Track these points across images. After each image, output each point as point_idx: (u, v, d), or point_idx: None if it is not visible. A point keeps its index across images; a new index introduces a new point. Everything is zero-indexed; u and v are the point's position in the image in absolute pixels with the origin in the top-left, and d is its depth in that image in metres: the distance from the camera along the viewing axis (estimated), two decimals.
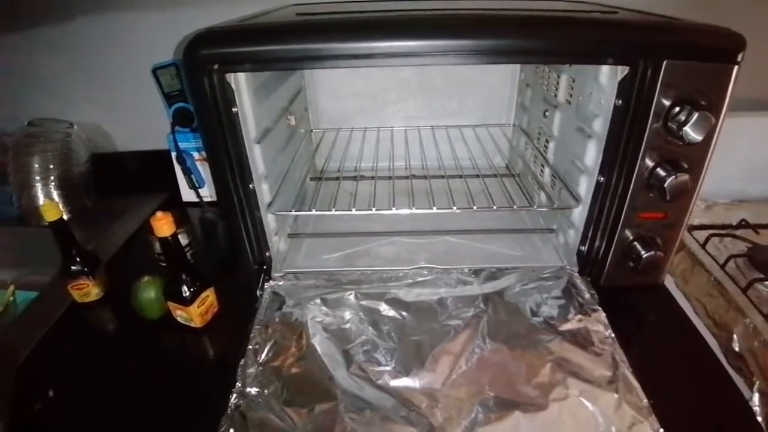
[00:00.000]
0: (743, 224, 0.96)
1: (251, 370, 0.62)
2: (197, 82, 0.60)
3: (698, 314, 0.82)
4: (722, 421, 0.60)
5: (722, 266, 0.84)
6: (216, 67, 0.59)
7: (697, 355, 0.69)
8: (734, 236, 0.93)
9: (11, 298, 1.03)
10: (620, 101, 0.63)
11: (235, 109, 0.62)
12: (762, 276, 0.80)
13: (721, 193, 1.05)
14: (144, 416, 0.62)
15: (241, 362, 0.62)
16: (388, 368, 0.62)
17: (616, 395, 0.58)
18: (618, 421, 0.55)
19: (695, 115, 0.59)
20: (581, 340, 0.66)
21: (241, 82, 0.63)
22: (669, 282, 0.84)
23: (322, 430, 0.55)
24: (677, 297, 0.80)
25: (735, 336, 0.73)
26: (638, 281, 0.76)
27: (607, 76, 0.67)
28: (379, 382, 0.60)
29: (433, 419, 0.56)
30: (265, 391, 0.59)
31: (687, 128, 0.60)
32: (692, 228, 0.96)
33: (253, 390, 0.59)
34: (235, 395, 0.58)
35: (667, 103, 0.61)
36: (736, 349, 0.72)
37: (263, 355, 0.64)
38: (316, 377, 0.62)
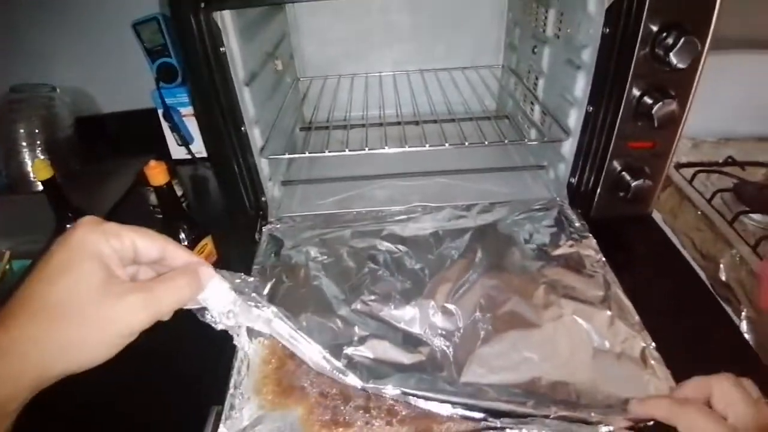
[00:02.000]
0: (730, 161, 0.98)
1: None
2: (184, 23, 0.59)
3: (686, 248, 0.84)
4: (713, 337, 0.62)
5: (709, 201, 0.86)
6: (202, 5, 0.58)
7: (687, 280, 0.72)
8: (721, 172, 0.95)
9: (7, 267, 1.03)
10: (608, 29, 0.63)
11: (223, 49, 0.62)
12: (748, 209, 0.82)
13: (708, 131, 1.06)
14: (142, 371, 0.61)
15: None
16: (389, 299, 0.64)
17: (608, 313, 0.60)
18: (611, 337, 0.57)
19: (682, 40, 0.59)
20: (573, 263, 0.68)
21: (227, 20, 0.62)
22: (657, 218, 0.86)
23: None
24: (666, 233, 0.82)
25: (722, 266, 0.76)
26: (627, 211, 0.77)
27: (595, 4, 0.66)
28: (381, 313, 0.62)
29: (435, 344, 0.58)
30: None
31: (673, 53, 0.60)
32: (679, 165, 0.97)
33: None
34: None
35: (654, 28, 0.61)
36: (723, 278, 0.75)
37: (264, 294, 0.65)
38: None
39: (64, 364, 0.32)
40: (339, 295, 0.65)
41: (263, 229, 0.75)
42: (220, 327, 0.44)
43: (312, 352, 0.49)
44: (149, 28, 1.01)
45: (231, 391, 0.51)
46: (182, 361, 0.62)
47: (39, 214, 0.82)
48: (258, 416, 0.50)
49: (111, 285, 0.33)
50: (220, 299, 0.42)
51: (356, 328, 0.60)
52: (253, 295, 0.45)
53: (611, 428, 0.47)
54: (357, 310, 0.63)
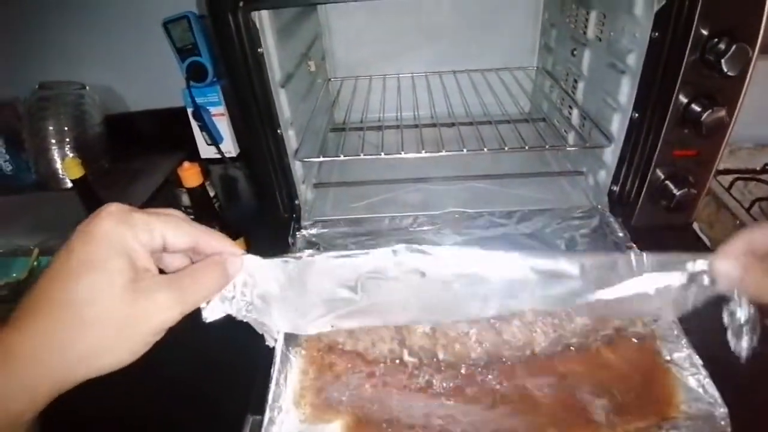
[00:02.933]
0: None
1: None
2: (222, 23, 0.58)
3: None
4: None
5: (748, 210, 0.83)
6: (241, 4, 0.57)
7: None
8: (759, 180, 0.92)
9: (35, 263, 1.04)
10: (657, 33, 0.61)
11: (261, 50, 0.61)
12: None
13: (745, 137, 1.03)
14: (188, 358, 0.61)
15: None
16: None
17: None
18: None
19: (734, 47, 0.57)
20: None
21: (264, 21, 0.62)
22: (695, 227, 0.83)
23: None
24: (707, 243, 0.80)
25: None
26: (669, 221, 0.75)
27: (643, 8, 0.64)
28: None
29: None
30: None
31: (725, 60, 0.58)
32: (717, 172, 0.94)
33: None
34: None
35: (704, 33, 0.59)
36: None
37: None
38: None
39: (86, 368, 0.30)
40: None
41: (297, 234, 0.74)
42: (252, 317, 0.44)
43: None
44: (179, 26, 1.00)
45: (269, 403, 0.50)
46: (216, 369, 0.61)
47: (68, 211, 0.82)
48: (298, 431, 0.49)
49: (139, 282, 0.31)
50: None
51: None
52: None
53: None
54: None
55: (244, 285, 0.42)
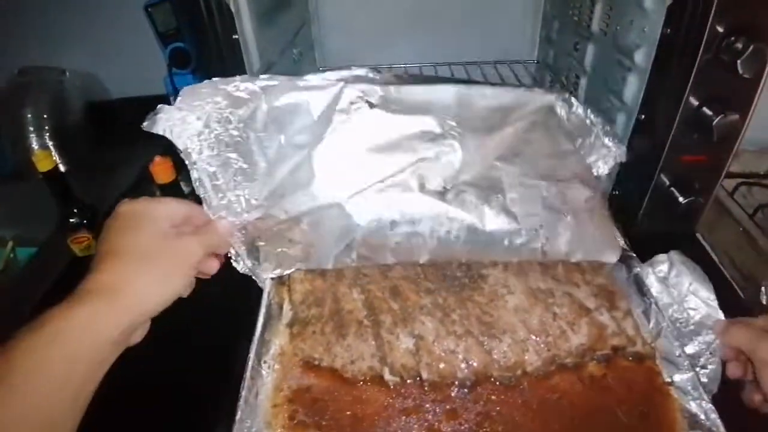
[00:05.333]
0: None
1: None
2: (193, 6, 0.53)
3: (724, 266, 0.78)
4: None
5: (751, 216, 0.81)
6: None
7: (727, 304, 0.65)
8: (763, 185, 0.90)
9: (11, 255, 1.00)
10: (669, 29, 0.57)
11: (236, 36, 0.56)
12: None
13: (748, 140, 0.99)
14: (154, 371, 0.58)
15: None
16: None
17: None
18: None
19: (751, 47, 0.53)
20: None
21: (241, 4, 0.57)
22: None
23: None
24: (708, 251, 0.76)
25: (763, 289, 0.70)
26: (672, 228, 0.72)
27: (653, 1, 0.60)
28: None
29: None
30: None
31: (741, 61, 0.54)
32: None
33: None
34: None
35: (720, 30, 0.54)
36: (764, 302, 0.69)
37: None
38: None
39: (154, 297, 0.41)
40: None
41: None
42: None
43: None
44: (162, 9, 0.94)
45: (236, 425, 0.46)
46: (186, 383, 0.57)
47: (46, 202, 0.78)
48: None
49: (169, 233, 0.44)
50: None
51: None
52: None
53: None
54: None
55: None
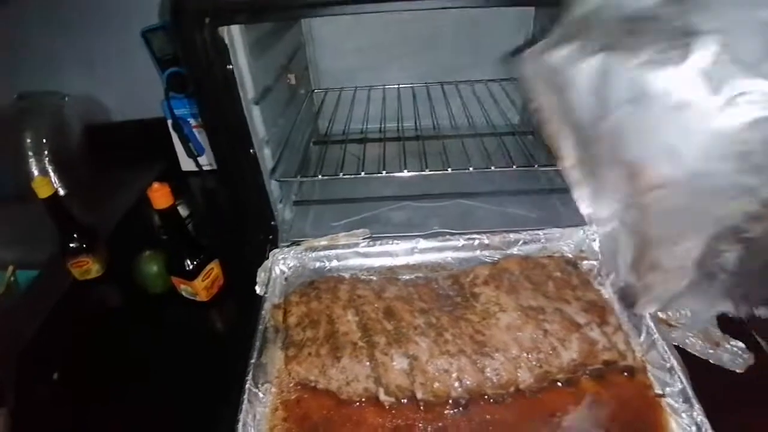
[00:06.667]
0: None
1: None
2: (187, 39, 0.54)
3: None
4: None
5: None
6: (207, 20, 0.53)
7: None
8: None
9: (12, 278, 1.01)
10: None
11: (230, 67, 0.57)
12: None
13: None
14: (152, 395, 0.59)
15: None
16: None
17: None
18: None
19: None
20: None
21: (235, 36, 0.58)
22: None
23: None
24: None
25: None
26: None
27: None
28: None
29: None
30: None
31: None
32: None
33: None
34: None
35: None
36: None
37: None
38: None
39: None
40: None
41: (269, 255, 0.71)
42: None
43: None
44: (159, 36, 0.97)
45: None
46: (184, 409, 0.58)
47: (46, 224, 0.79)
48: None
49: None
50: None
51: None
52: None
53: None
54: None
55: None
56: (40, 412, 0.60)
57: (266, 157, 0.69)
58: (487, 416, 0.52)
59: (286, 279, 0.69)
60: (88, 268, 0.79)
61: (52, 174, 1.05)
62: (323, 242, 0.70)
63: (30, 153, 1.05)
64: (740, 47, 0.41)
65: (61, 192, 1.04)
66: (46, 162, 1.06)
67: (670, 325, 0.60)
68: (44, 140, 1.05)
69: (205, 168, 1.03)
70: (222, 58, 0.56)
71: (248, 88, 0.63)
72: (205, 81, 0.57)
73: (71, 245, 0.77)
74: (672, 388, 0.52)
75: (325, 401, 0.53)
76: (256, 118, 0.66)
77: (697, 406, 0.50)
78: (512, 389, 0.53)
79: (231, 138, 0.62)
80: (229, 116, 0.60)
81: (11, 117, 1.06)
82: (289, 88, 0.84)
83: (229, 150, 0.63)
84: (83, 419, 0.58)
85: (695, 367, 0.55)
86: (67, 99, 1.09)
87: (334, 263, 0.70)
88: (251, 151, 0.64)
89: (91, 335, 0.70)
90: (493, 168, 0.73)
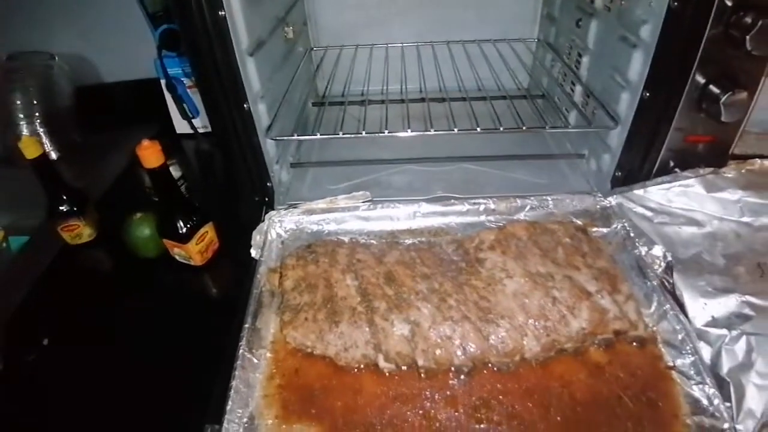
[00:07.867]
0: None
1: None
2: None
3: None
4: None
5: None
6: None
7: None
8: None
9: (3, 244, 0.99)
10: (676, 3, 0.54)
11: (223, 13, 0.53)
12: None
13: (752, 122, 0.96)
14: (144, 361, 0.57)
15: None
16: None
17: None
18: None
19: (760, 22, 0.50)
20: None
21: None
22: None
23: None
24: None
25: None
26: None
27: None
28: None
29: None
30: None
31: (751, 36, 0.51)
32: None
33: None
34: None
35: (729, 5, 0.52)
36: None
37: None
38: None
39: None
40: None
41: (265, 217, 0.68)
42: None
43: None
44: None
45: (227, 415, 0.45)
46: (176, 375, 0.56)
47: (38, 189, 0.77)
48: None
49: None
50: None
51: None
52: None
53: None
54: None
55: None
56: (30, 376, 0.58)
57: (261, 114, 0.66)
58: (491, 385, 0.50)
59: (282, 242, 0.66)
60: (79, 232, 0.76)
61: (43, 136, 1.02)
62: (321, 205, 0.67)
63: (20, 115, 1.01)
64: None
65: (53, 155, 1.01)
66: (37, 124, 1.02)
67: None
68: (34, 101, 1.02)
69: (200, 130, 1.00)
70: (214, 4, 0.52)
71: (242, 38, 0.59)
72: (197, 30, 0.53)
73: (60, 208, 0.74)
74: (683, 360, 0.51)
75: (323, 368, 0.51)
76: (251, 70, 0.62)
77: (708, 378, 0.48)
78: (517, 358, 0.51)
79: (224, 91, 0.58)
80: (221, 68, 0.57)
81: (0, 78, 1.02)
82: (286, 42, 0.80)
83: (222, 104, 0.59)
84: (73, 384, 0.56)
85: None
86: (56, 59, 1.05)
87: (333, 226, 0.68)
88: (245, 106, 0.61)
89: (83, 301, 0.68)
90: (501, 128, 0.69)
